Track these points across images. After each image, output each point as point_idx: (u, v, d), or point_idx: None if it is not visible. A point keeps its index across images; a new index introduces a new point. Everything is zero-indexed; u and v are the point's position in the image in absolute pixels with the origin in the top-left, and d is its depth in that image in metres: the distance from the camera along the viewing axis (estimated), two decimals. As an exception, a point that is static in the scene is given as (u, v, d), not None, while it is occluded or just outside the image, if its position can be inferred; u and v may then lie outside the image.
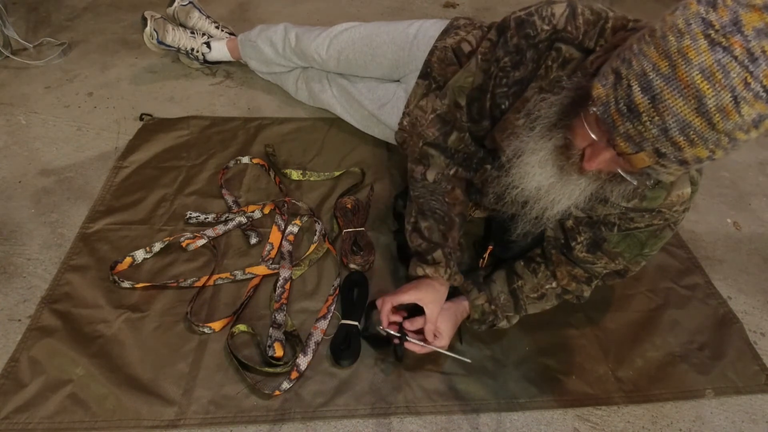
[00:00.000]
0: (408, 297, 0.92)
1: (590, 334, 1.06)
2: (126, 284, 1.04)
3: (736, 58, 0.49)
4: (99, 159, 1.33)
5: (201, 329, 0.98)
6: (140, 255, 1.09)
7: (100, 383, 0.90)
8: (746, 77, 0.49)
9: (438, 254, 0.93)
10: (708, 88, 0.50)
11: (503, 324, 0.99)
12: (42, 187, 1.25)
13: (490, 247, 1.09)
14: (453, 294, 1.00)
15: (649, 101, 0.53)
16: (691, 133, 0.53)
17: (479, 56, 0.87)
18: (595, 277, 0.96)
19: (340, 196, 1.25)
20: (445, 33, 1.13)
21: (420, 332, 0.94)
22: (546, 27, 0.78)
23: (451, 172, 0.97)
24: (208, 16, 1.64)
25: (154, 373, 0.93)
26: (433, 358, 0.98)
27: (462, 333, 1.01)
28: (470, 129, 0.93)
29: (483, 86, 0.87)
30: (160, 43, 1.54)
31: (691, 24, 0.51)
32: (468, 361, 0.94)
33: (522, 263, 1.00)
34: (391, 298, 0.93)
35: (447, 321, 0.94)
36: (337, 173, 1.32)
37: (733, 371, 1.03)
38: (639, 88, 0.54)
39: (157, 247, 1.10)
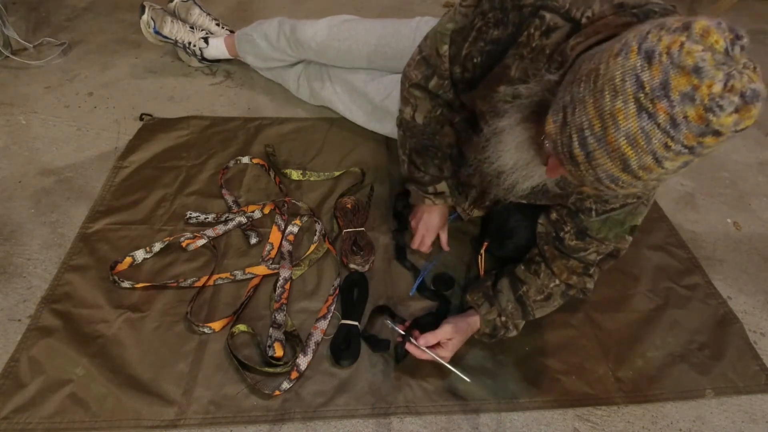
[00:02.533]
0: (436, 224, 1.15)
1: (590, 334, 1.06)
2: (126, 284, 1.04)
3: (659, 125, 0.52)
4: (99, 159, 1.33)
5: (201, 329, 0.98)
6: (140, 255, 1.09)
7: (100, 383, 0.90)
8: (667, 141, 0.53)
9: (442, 185, 1.10)
10: (632, 153, 0.55)
11: (512, 334, 0.99)
12: (42, 187, 1.25)
13: (486, 243, 1.10)
14: (463, 309, 1.02)
15: (584, 156, 0.59)
16: (620, 182, 0.59)
17: (459, 2, 0.89)
18: (591, 266, 0.96)
19: (340, 196, 1.25)
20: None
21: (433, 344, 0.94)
22: None
23: (438, 113, 1.02)
24: (208, 14, 1.64)
25: (154, 373, 0.93)
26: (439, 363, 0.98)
27: None
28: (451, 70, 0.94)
29: (464, 32, 0.88)
30: (157, 33, 1.54)
31: (626, 82, 0.53)
32: (467, 379, 0.92)
33: (523, 267, 1.00)
34: (423, 229, 1.15)
35: (457, 334, 0.94)
36: (337, 173, 1.32)
37: (733, 371, 1.03)
38: (577, 143, 0.59)
39: (157, 247, 1.10)
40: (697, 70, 0.49)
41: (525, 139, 0.74)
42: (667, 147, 0.53)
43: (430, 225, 1.14)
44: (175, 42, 1.57)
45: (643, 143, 0.53)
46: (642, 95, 0.52)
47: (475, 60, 0.87)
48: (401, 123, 1.08)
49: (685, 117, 0.51)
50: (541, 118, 0.69)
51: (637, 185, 0.59)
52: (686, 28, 0.51)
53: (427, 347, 0.92)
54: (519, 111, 0.74)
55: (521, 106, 0.73)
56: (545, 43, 0.76)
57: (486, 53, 0.85)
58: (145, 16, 1.52)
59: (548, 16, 0.75)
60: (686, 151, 0.53)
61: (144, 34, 1.55)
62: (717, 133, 0.51)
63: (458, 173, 1.10)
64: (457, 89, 0.98)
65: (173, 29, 1.54)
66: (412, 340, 0.92)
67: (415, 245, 1.15)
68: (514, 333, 0.99)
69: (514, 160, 0.77)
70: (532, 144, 0.74)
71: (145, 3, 1.53)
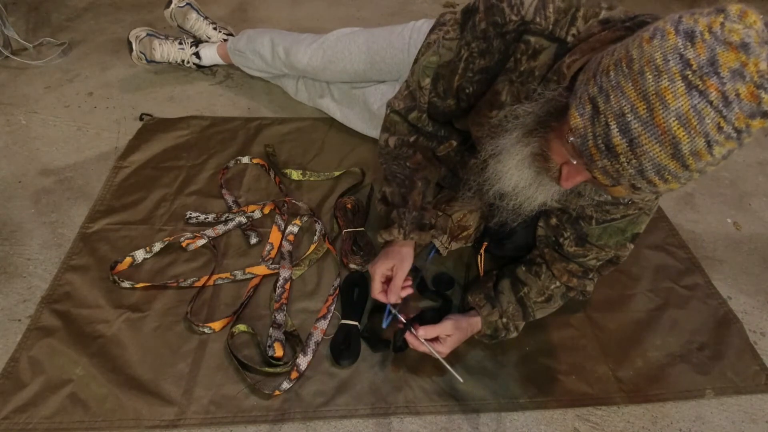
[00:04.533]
0: (380, 268, 0.95)
1: (590, 334, 1.06)
2: (126, 284, 1.04)
3: (711, 103, 0.49)
4: (99, 159, 1.33)
5: (201, 329, 0.98)
6: (140, 255, 1.09)
7: (100, 383, 0.90)
8: (719, 122, 0.50)
9: (393, 215, 0.95)
10: (684, 135, 0.51)
11: (513, 335, 0.99)
12: (42, 187, 1.24)
13: (485, 243, 1.10)
14: (465, 309, 1.01)
15: (627, 144, 0.54)
16: (666, 174, 0.55)
17: (442, 35, 0.87)
18: (590, 270, 0.96)
19: (340, 196, 1.25)
20: (431, 31, 1.13)
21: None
22: (514, 17, 0.75)
23: (412, 139, 0.98)
24: (206, 17, 1.64)
25: (154, 373, 0.93)
26: (436, 360, 0.98)
27: None
28: (436, 104, 0.92)
29: (451, 65, 0.86)
30: (150, 62, 1.56)
31: (669, 61, 0.50)
32: (460, 380, 0.91)
33: (524, 268, 1.00)
34: (373, 273, 0.96)
35: (458, 331, 0.93)
36: (337, 173, 1.32)
37: (733, 371, 1.03)
38: (617, 129, 0.54)
39: (157, 247, 1.10)
40: (744, 46, 0.48)
41: (525, 157, 0.72)
42: (719, 128, 0.50)
43: (374, 267, 0.95)
44: (169, 63, 1.59)
45: (695, 123, 0.50)
46: (689, 72, 0.50)
47: (467, 90, 0.87)
48: (379, 154, 1.03)
49: (737, 94, 0.49)
50: (546, 128, 0.68)
51: (681, 178, 0.55)
52: (721, 10, 0.50)
53: (426, 340, 0.91)
54: (518, 128, 0.72)
55: (519, 124, 0.72)
56: (533, 66, 0.76)
57: (476, 82, 0.85)
58: (134, 53, 1.55)
59: (533, 39, 0.74)
60: (735, 135, 0.51)
61: (138, 65, 1.58)
62: (765, 115, 0.50)
63: (442, 201, 1.07)
64: (442, 122, 0.97)
65: (163, 53, 1.56)
66: (412, 330, 0.92)
67: (381, 299, 0.96)
68: (514, 334, 0.99)
69: (515, 179, 0.75)
70: (534, 160, 0.71)
71: (130, 37, 1.54)
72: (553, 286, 0.97)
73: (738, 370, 1.03)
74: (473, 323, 0.97)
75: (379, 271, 0.95)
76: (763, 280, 1.23)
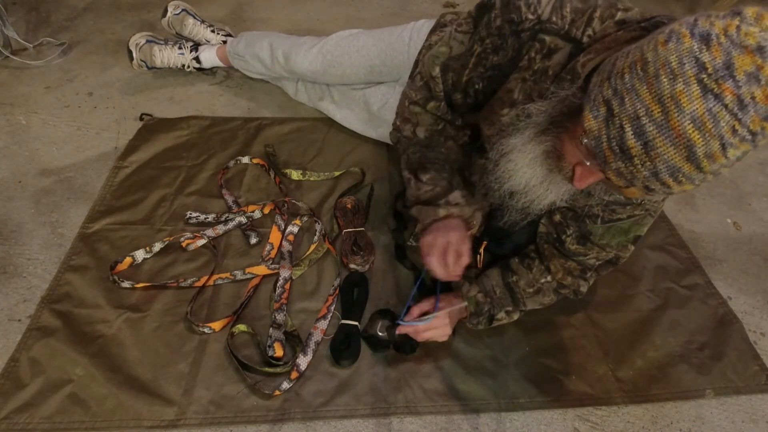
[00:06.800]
0: (439, 240, 0.89)
1: (590, 334, 1.06)
2: (126, 284, 1.04)
3: (726, 106, 0.50)
4: (99, 159, 1.33)
5: (201, 329, 0.98)
6: (140, 255, 1.09)
7: (100, 383, 0.90)
8: (734, 125, 0.50)
9: (455, 195, 0.95)
10: (698, 138, 0.51)
11: (502, 316, 0.98)
12: (42, 187, 1.24)
13: (485, 242, 1.10)
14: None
15: (641, 146, 0.54)
16: (680, 176, 0.55)
17: (454, 27, 0.87)
18: (589, 269, 0.96)
19: (340, 196, 1.25)
20: (432, 32, 1.13)
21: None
22: (531, 16, 0.76)
23: (440, 127, 0.98)
24: (203, 21, 1.64)
25: (154, 373, 0.93)
26: (433, 356, 0.99)
27: (456, 328, 1.00)
28: (447, 93, 0.93)
29: (462, 58, 0.86)
30: (151, 68, 1.57)
31: (684, 65, 0.51)
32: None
33: (516, 260, 1.00)
34: (442, 245, 0.90)
35: (441, 302, 0.93)
36: (337, 173, 1.32)
37: (733, 371, 1.03)
38: (632, 132, 0.55)
39: (157, 247, 1.10)
40: (760, 50, 0.48)
41: (538, 155, 0.72)
42: (734, 131, 0.51)
43: (450, 239, 0.90)
44: (169, 68, 1.59)
45: (710, 126, 0.51)
46: (705, 76, 0.50)
47: (477, 86, 0.87)
48: (400, 141, 1.04)
49: (753, 98, 0.49)
50: (559, 128, 0.68)
51: (695, 180, 0.55)
52: (737, 13, 0.50)
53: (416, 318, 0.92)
54: (531, 128, 0.73)
55: (532, 123, 0.72)
56: (547, 65, 0.76)
57: (487, 79, 0.85)
58: (135, 61, 1.55)
59: (548, 38, 0.75)
60: (749, 138, 0.51)
61: (139, 72, 1.59)
62: None
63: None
64: (458, 113, 0.98)
65: (164, 58, 1.56)
66: (400, 321, 0.93)
67: (438, 273, 0.90)
68: (504, 317, 0.98)
69: (526, 177, 0.75)
70: (546, 158, 0.72)
71: (130, 46, 1.54)
72: (543, 281, 0.97)
73: (738, 370, 1.03)
74: (457, 299, 0.97)
75: (458, 239, 0.89)
76: (763, 280, 1.23)
